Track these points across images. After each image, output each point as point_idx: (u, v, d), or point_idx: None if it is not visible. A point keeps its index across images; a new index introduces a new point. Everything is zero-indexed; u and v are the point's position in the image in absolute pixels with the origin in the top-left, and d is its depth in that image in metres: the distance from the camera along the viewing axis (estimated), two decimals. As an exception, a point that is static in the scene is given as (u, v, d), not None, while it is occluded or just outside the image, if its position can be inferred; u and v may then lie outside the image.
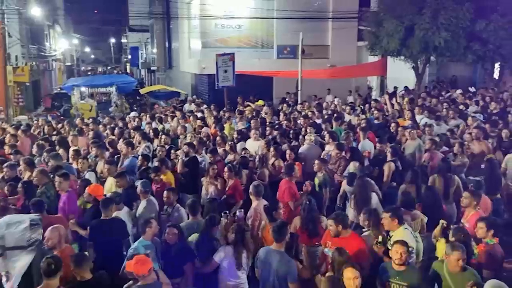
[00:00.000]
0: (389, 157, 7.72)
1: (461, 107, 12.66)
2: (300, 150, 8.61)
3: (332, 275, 4.51)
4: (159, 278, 4.39)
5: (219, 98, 15.57)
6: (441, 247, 4.94)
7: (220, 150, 8.39)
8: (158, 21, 30.92)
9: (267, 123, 10.67)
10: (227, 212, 5.85)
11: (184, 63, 24.06)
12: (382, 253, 4.92)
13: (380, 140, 8.68)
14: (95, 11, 57.57)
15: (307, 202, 5.75)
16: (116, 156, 8.31)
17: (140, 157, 7.91)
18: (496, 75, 19.32)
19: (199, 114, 12.75)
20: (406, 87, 18.86)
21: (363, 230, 5.62)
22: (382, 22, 16.34)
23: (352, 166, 7.36)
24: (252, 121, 10.40)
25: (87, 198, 6.18)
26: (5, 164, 7.26)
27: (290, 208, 6.45)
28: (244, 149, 8.51)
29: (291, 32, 17.53)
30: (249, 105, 14.30)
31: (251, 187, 6.27)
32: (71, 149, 8.54)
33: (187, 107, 16.18)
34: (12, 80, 19.67)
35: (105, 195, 6.16)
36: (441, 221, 5.28)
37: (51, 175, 6.59)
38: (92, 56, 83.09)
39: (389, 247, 4.70)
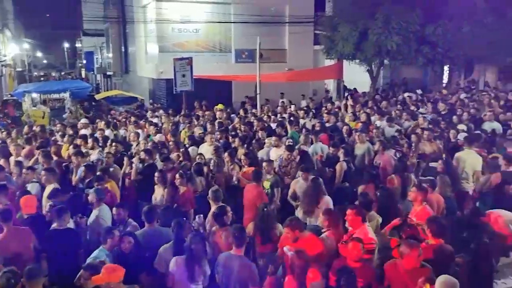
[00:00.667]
0: (341, 158, 7.88)
1: (412, 108, 13.11)
2: (259, 154, 8.68)
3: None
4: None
5: (178, 103, 15.44)
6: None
7: (174, 156, 8.27)
8: (114, 25, 30.25)
9: (222, 128, 10.68)
10: (185, 219, 5.77)
11: (141, 68, 23.67)
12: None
13: (333, 142, 8.81)
14: (47, 15, 55.63)
15: (264, 208, 5.77)
16: (64, 165, 8.05)
17: (83, 168, 7.54)
18: (445, 77, 20.20)
19: (155, 120, 12.58)
20: (355, 89, 19.34)
21: (322, 230, 5.71)
22: (337, 27, 16.73)
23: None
24: (208, 126, 10.36)
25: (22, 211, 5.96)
26: None
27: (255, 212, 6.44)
28: (200, 154, 8.44)
29: (249, 36, 17.62)
30: (208, 110, 14.26)
31: (209, 192, 6.23)
32: (12, 159, 8.19)
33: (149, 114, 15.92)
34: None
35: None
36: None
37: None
38: (45, 61, 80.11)
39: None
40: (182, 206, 6.64)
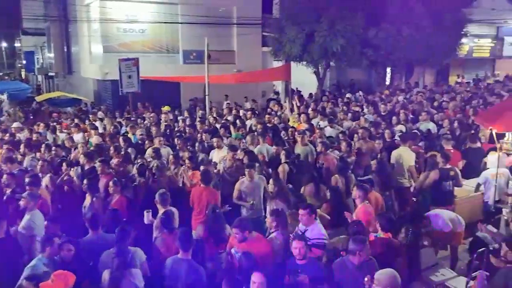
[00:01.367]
0: (283, 159, 7.97)
1: (357, 109, 13.51)
2: (211, 156, 8.64)
3: None
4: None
5: (124, 104, 15.06)
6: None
7: (115, 161, 8.03)
8: (55, 24, 29.01)
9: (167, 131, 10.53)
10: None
11: (86, 69, 22.85)
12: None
13: (276, 141, 8.88)
14: (-18, 13, 52.53)
15: (213, 210, 5.75)
16: None
17: (4, 177, 7.06)
18: (388, 79, 21.02)
19: (97, 122, 12.20)
20: (298, 91, 19.71)
21: (271, 231, 5.76)
22: (284, 29, 16.99)
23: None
24: (153, 128, 10.20)
25: None
26: None
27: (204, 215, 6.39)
28: (141, 157, 8.22)
29: (197, 37, 17.50)
30: (153, 111, 13.99)
31: (156, 195, 6.10)
32: None
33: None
34: None
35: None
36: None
37: None
38: (-20, 62, 75.60)
39: None
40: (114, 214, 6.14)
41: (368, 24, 15.89)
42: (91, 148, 8.93)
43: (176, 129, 11.33)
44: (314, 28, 16.04)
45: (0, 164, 8.03)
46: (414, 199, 8.07)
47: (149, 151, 8.49)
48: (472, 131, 9.86)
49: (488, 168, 8.35)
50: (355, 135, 9.42)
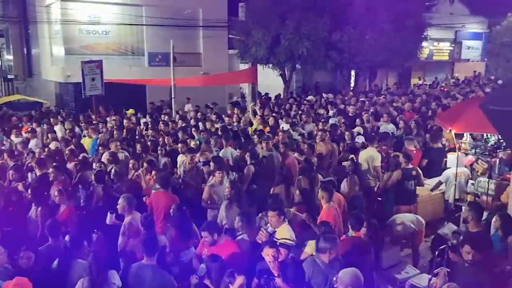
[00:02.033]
0: (248, 161, 8.00)
1: (321, 111, 13.66)
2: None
3: None
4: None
5: (87, 108, 14.70)
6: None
7: (71, 166, 7.83)
8: (14, 25, 28.05)
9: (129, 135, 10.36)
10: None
11: (47, 71, 22.19)
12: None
13: (239, 144, 8.87)
14: None
15: (178, 208, 5.76)
16: None
17: None
18: (352, 81, 21.43)
19: (57, 126, 11.86)
20: (266, 94, 19.81)
21: (238, 234, 5.75)
22: (250, 32, 17.03)
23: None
24: (115, 132, 10.01)
25: None
26: None
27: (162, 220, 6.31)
28: (101, 162, 8.05)
29: (162, 40, 17.31)
30: (116, 114, 13.73)
31: (121, 200, 5.94)
32: None
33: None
34: None
35: None
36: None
37: None
38: None
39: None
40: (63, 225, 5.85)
41: (333, 27, 16.16)
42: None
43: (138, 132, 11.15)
44: (280, 31, 16.18)
45: None
46: (379, 198, 8.25)
47: (105, 155, 8.29)
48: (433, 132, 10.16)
49: (449, 168, 8.64)
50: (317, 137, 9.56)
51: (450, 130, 8.18)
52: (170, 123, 11.52)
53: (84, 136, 10.58)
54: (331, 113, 13.31)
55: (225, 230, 6.01)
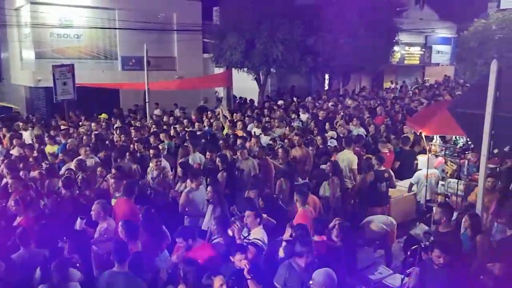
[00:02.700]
0: (220, 167, 7.96)
1: (293, 116, 13.73)
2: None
3: None
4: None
5: (59, 113, 14.41)
6: None
7: (35, 173, 7.62)
8: (-18, 28, 27.31)
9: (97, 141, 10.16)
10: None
11: (16, 75, 21.63)
12: None
13: (208, 150, 8.78)
14: None
15: (147, 209, 5.76)
16: None
17: None
18: (327, 85, 21.68)
19: (26, 132, 11.57)
20: (241, 98, 19.87)
21: (213, 238, 5.75)
22: (225, 35, 17.05)
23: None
24: (84, 138, 9.87)
25: None
26: None
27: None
28: (69, 169, 7.86)
29: (136, 44, 17.14)
30: (87, 120, 13.48)
31: (95, 206, 5.84)
32: None
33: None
34: None
35: None
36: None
37: None
38: None
39: None
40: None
41: (307, 32, 16.33)
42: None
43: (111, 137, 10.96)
44: (254, 35, 16.25)
45: None
46: (354, 200, 8.38)
47: (74, 162, 8.10)
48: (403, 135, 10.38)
49: (420, 169, 8.84)
50: (286, 141, 9.62)
51: (421, 132, 8.39)
52: (140, 129, 11.33)
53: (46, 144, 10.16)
54: (304, 117, 13.34)
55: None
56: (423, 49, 30.82)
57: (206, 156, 8.57)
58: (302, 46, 16.51)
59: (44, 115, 17.15)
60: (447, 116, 5.93)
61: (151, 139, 9.74)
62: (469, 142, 7.77)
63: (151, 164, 8.14)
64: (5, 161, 8.07)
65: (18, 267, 4.79)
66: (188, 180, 6.97)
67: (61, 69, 12.71)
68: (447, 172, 8.72)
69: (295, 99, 18.65)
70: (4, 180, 7.40)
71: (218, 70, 20.71)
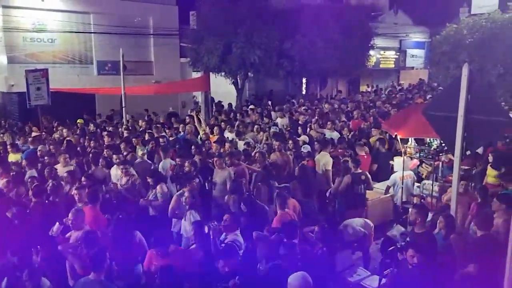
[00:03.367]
0: (194, 172, 7.85)
1: (266, 120, 13.72)
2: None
3: None
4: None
5: (33, 118, 14.10)
6: None
7: (2, 182, 7.40)
8: (-49, 32, 26.53)
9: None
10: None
11: (-12, 80, 21.11)
12: None
13: (178, 155, 8.67)
14: None
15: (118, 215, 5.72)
16: None
17: None
18: (304, 88, 21.83)
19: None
20: (219, 102, 19.81)
21: (191, 243, 5.73)
22: (202, 40, 17.00)
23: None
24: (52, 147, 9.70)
25: None
26: None
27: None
28: (32, 177, 7.65)
29: (112, 48, 16.96)
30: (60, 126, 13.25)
31: (70, 215, 5.76)
32: None
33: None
34: None
35: None
36: None
37: None
38: None
39: None
40: None
41: (284, 36, 16.42)
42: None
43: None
44: (231, 40, 16.24)
45: None
46: (331, 202, 8.44)
47: (46, 170, 7.84)
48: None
49: (396, 171, 8.98)
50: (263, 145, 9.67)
51: (396, 135, 8.53)
52: (113, 135, 11.13)
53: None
54: (282, 121, 13.34)
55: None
56: (398, 53, 31.41)
57: (177, 162, 8.37)
58: (279, 50, 16.58)
59: (17, 121, 16.76)
60: (421, 119, 6.05)
61: (122, 146, 9.54)
62: (443, 144, 7.93)
63: (118, 171, 8.00)
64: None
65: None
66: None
67: (34, 74, 12.43)
68: (422, 174, 8.89)
69: (269, 103, 18.69)
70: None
71: (196, 75, 20.63)
